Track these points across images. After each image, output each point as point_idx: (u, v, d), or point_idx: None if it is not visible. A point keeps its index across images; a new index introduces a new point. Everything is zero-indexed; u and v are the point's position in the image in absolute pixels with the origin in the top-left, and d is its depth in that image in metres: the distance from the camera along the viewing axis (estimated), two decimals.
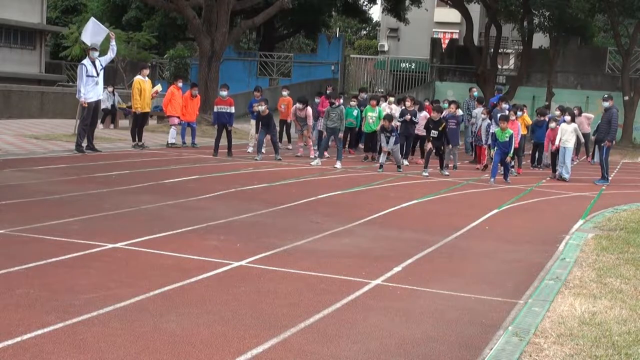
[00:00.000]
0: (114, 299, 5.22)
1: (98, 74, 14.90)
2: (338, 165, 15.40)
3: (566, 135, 15.87)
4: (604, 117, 16.01)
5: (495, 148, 14.99)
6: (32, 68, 43.90)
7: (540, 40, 35.26)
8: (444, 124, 15.44)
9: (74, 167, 12.74)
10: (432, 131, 15.29)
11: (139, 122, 17.11)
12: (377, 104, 18.10)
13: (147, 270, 6.14)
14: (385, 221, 9.50)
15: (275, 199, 10.57)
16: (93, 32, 16.38)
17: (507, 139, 14.59)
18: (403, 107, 17.67)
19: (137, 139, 16.92)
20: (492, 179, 14.51)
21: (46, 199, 9.31)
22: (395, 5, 37.72)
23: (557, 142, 15.96)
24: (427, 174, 14.89)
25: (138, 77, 17.17)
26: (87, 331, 4.56)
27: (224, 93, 16.81)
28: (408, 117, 17.07)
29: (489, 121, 17.68)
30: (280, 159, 15.93)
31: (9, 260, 6.08)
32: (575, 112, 19.78)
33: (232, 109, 16.71)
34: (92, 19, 17.19)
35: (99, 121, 22.26)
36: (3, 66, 41.00)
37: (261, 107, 16.20)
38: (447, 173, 15.40)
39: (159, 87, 18.08)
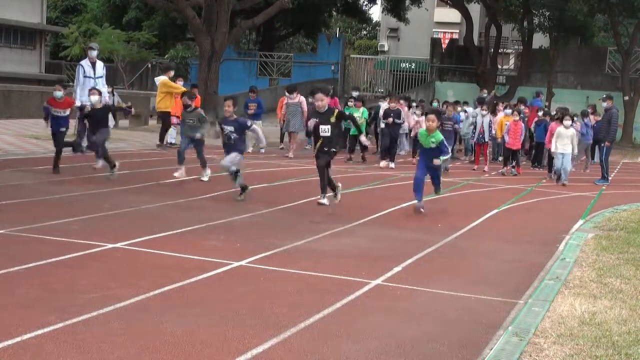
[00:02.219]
0: (114, 299, 5.21)
1: (97, 77, 14.81)
2: (205, 178, 11.99)
3: (564, 140, 15.04)
4: (604, 117, 15.98)
5: (418, 157, 11.50)
6: (32, 68, 43.91)
7: (540, 40, 35.26)
8: (336, 113, 10.24)
9: (73, 167, 12.73)
10: (321, 126, 10.10)
11: (167, 124, 17.22)
12: (363, 104, 17.54)
13: (147, 270, 6.14)
14: (385, 221, 9.49)
15: (275, 199, 10.57)
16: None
17: (434, 146, 10.09)
18: (387, 107, 17.11)
19: (162, 140, 17.07)
20: (418, 203, 10.15)
21: (46, 199, 9.31)
22: (395, 5, 37.71)
23: (552, 148, 15.30)
24: (325, 201, 10.18)
25: (163, 78, 17.22)
26: (87, 331, 4.55)
27: (58, 93, 12.24)
28: (390, 120, 16.47)
29: (490, 117, 17.61)
30: (103, 170, 11.77)
31: (9, 260, 6.08)
32: (589, 110, 19.52)
33: (68, 112, 12.53)
34: None
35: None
36: (3, 66, 41.01)
37: (94, 97, 11.98)
38: (324, 201, 10.17)
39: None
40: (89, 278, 5.77)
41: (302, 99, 17.32)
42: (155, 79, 17.64)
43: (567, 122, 15.14)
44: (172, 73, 17.48)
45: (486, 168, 16.93)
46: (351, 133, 17.21)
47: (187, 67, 37.25)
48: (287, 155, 17.04)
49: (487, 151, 17.58)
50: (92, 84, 14.68)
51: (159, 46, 37.83)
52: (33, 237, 7.03)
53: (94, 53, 15.04)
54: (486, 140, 17.42)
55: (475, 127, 17.78)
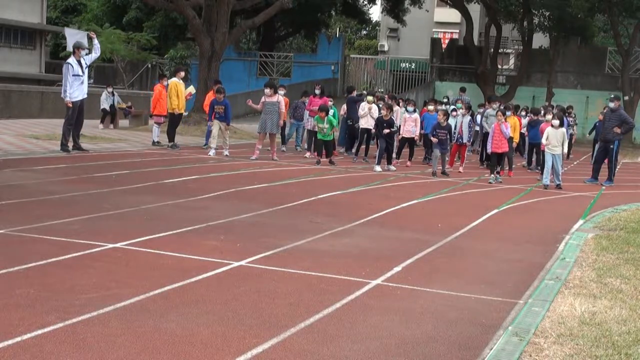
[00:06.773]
0: (114, 299, 5.21)
1: (83, 73, 14.80)
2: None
3: (554, 140, 14.38)
4: (613, 117, 15.80)
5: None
6: (32, 68, 43.91)
7: (540, 40, 35.28)
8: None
9: (74, 167, 12.73)
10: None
11: (175, 123, 17.42)
12: (327, 114, 15.96)
13: (147, 270, 6.14)
14: (385, 221, 9.49)
15: (275, 199, 10.57)
16: (73, 37, 16.46)
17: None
18: (380, 117, 16.16)
19: (173, 140, 17.21)
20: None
21: (46, 199, 9.31)
22: (393, 5, 37.69)
23: (543, 144, 14.71)
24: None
25: (174, 80, 17.38)
26: (87, 331, 4.55)
27: None
28: (386, 131, 15.59)
29: (469, 117, 17.49)
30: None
31: (9, 260, 6.07)
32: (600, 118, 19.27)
33: None
34: (65, 29, 17.13)
35: (99, 121, 22.44)
36: (3, 66, 41.00)
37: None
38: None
39: (192, 89, 18.41)
40: (89, 278, 5.76)
41: (282, 98, 16.40)
42: (169, 80, 17.90)
43: (556, 122, 14.47)
44: (182, 74, 17.74)
45: (461, 169, 16.65)
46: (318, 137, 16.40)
47: (187, 68, 37.23)
48: (252, 159, 15.59)
49: (465, 152, 17.33)
50: (80, 81, 14.68)
51: (160, 46, 37.80)
52: (33, 237, 7.03)
53: (84, 53, 14.99)
54: (464, 141, 17.12)
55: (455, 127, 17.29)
